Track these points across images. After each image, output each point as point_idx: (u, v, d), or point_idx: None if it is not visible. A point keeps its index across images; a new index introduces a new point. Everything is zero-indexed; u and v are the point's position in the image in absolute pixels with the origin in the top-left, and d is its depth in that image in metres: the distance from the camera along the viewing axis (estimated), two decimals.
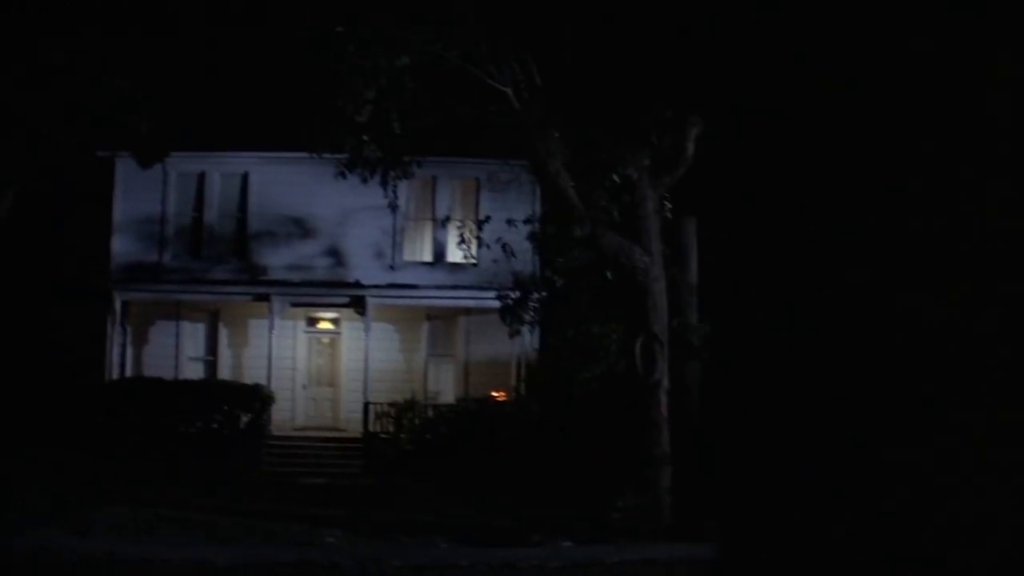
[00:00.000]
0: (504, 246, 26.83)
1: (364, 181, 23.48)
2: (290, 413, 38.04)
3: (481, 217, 29.35)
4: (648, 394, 22.83)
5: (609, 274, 25.27)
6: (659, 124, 22.98)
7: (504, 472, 31.46)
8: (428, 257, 39.21)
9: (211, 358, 38.81)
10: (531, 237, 28.69)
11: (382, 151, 22.41)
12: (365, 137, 21.79)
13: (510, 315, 29.46)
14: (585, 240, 23.75)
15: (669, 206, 24.61)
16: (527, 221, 28.94)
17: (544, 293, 29.47)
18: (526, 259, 30.22)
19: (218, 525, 23.51)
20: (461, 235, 27.27)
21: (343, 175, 23.24)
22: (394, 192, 24.46)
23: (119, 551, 19.75)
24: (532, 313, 29.61)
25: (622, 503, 22.28)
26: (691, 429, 25.01)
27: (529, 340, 36.07)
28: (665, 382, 22.97)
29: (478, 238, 26.67)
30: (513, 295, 29.69)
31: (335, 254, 38.63)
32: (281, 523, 24.03)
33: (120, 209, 38.43)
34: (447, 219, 38.44)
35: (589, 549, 21.15)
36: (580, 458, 28.87)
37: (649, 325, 22.96)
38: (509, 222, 26.98)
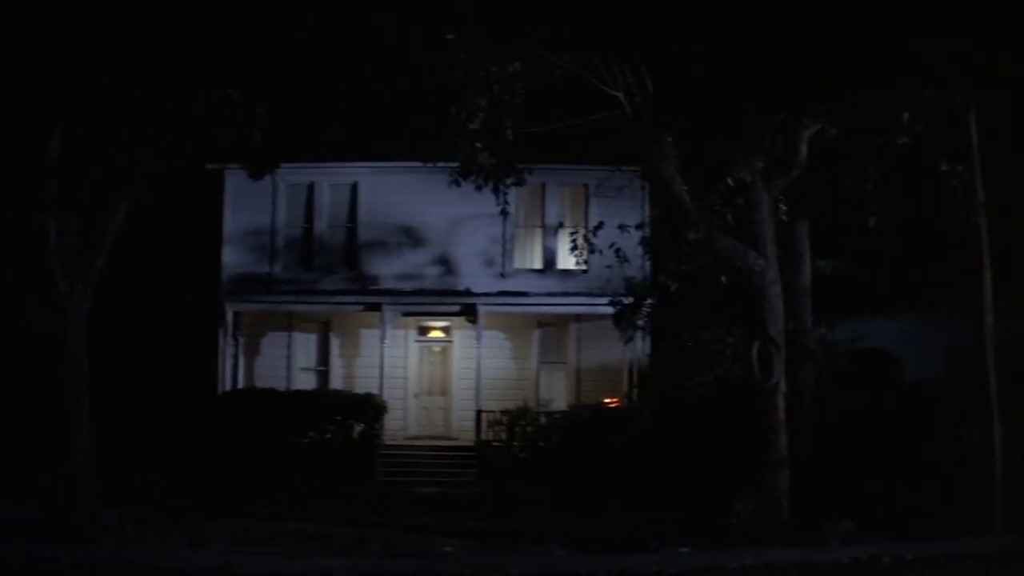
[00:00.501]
0: (617, 251, 26.66)
1: (478, 188, 23.15)
2: (402, 422, 37.92)
3: (591, 224, 29.06)
4: (765, 398, 22.30)
5: (723, 278, 24.91)
6: (771, 126, 22.49)
7: (618, 478, 31.30)
8: (538, 264, 38.97)
9: (323, 368, 38.89)
10: (643, 243, 28.51)
11: (495, 158, 22.18)
12: (478, 144, 21.56)
13: (624, 320, 29.29)
14: (699, 244, 23.39)
15: (784, 208, 24.17)
16: (639, 227, 28.71)
17: (656, 299, 29.21)
18: (637, 265, 29.99)
19: (334, 536, 23.48)
20: (573, 241, 27.00)
21: (456, 183, 22.96)
22: (506, 199, 24.15)
23: (235, 563, 19.63)
24: (645, 318, 29.40)
25: (740, 507, 21.64)
26: (808, 432, 24.66)
27: (641, 346, 36.04)
28: (782, 386, 22.45)
29: (590, 244, 26.30)
30: (626, 300, 29.50)
31: (445, 263, 38.54)
32: (397, 533, 23.92)
33: (230, 221, 38.61)
34: (559, 226, 38.23)
35: (708, 554, 20.48)
36: (694, 463, 28.52)
37: (765, 329, 22.45)
38: (621, 228, 26.65)
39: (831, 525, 21.58)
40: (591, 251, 26.33)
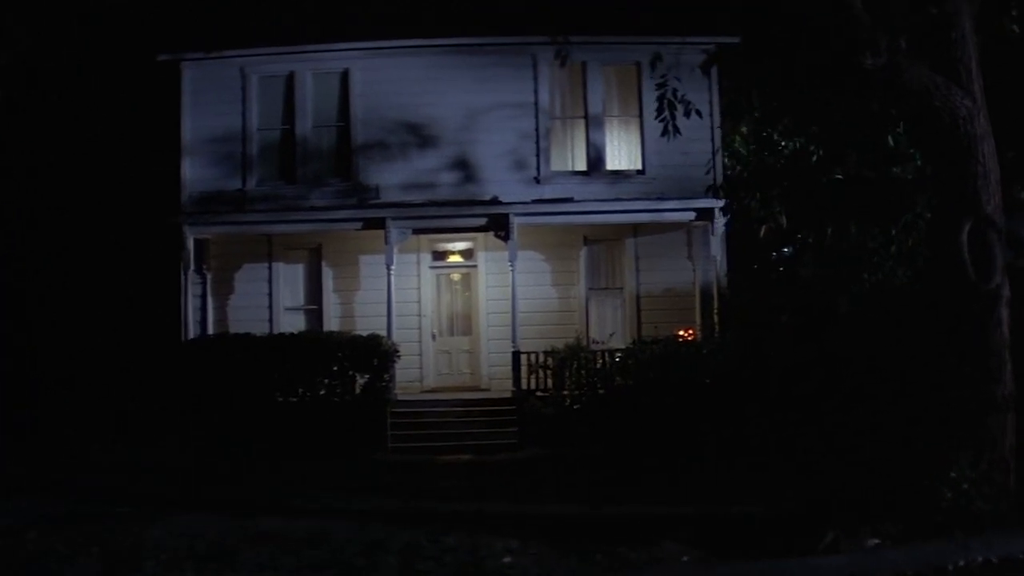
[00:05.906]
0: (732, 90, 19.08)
1: None
2: (417, 371, 31.28)
3: (644, 112, 21.59)
4: (984, 307, 14.92)
5: (890, 139, 17.43)
6: None
7: (710, 433, 24.15)
8: (581, 165, 32.04)
9: (314, 307, 31.97)
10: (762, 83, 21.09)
11: None
12: None
13: (761, 207, 22.04)
14: (878, 76, 15.45)
15: (1016, 14, 16.59)
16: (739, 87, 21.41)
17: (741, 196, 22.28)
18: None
19: (332, 539, 16.03)
20: (660, 100, 18.97)
21: None
22: (566, 37, 16.79)
23: None
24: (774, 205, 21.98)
25: (955, 473, 14.54)
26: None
27: (719, 262, 29.89)
28: (1006, 289, 15.17)
29: (686, 102, 18.51)
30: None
31: (464, 167, 31.61)
32: (424, 531, 16.27)
33: (190, 126, 31.99)
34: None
35: (912, 549, 13.65)
36: (823, 410, 21.13)
37: (979, 203, 15.06)
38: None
39: None
40: (687, 112, 18.55)
